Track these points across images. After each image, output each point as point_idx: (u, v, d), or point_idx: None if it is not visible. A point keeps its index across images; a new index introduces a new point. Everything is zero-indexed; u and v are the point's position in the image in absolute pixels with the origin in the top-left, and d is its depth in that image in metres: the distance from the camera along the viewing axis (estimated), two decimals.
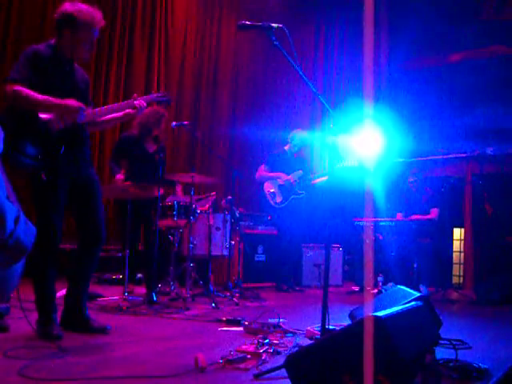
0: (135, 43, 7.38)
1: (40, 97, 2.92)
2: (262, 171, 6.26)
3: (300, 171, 6.17)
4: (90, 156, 3.29)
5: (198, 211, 5.24)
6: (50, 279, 3.11)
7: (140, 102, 3.31)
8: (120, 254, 5.75)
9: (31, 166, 2.90)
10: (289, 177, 6.16)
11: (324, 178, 6.10)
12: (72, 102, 3.01)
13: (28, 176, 3.02)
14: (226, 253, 5.51)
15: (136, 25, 7.40)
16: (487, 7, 8.20)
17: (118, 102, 3.56)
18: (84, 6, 3.09)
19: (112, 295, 4.62)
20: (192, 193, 4.85)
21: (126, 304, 4.19)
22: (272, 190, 6.14)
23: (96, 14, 3.10)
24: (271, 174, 6.20)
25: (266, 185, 6.17)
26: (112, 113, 3.29)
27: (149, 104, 3.54)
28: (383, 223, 6.24)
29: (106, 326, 3.19)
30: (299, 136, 6.27)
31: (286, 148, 6.35)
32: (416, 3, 8.42)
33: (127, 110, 3.31)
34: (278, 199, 6.11)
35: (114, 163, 5.08)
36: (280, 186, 6.15)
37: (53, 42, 3.14)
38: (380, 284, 5.94)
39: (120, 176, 4.83)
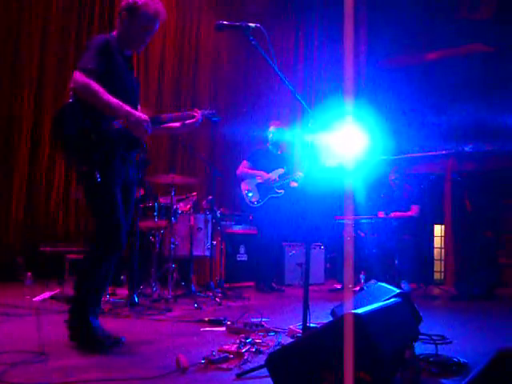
0: None
1: (112, 99, 2.75)
2: (244, 167, 6.14)
3: (282, 169, 6.05)
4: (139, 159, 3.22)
5: (179, 212, 5.22)
6: (105, 281, 2.99)
7: (199, 114, 3.23)
8: None
9: (87, 165, 2.78)
10: (270, 175, 6.03)
11: (295, 184, 5.97)
12: (144, 117, 2.84)
13: (82, 176, 2.87)
14: (207, 253, 5.50)
15: (112, 22, 7.30)
16: (463, 6, 8.29)
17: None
18: None
19: None
20: (173, 193, 4.83)
21: (108, 306, 4.15)
22: (249, 189, 6.01)
23: (159, 7, 3.00)
24: (252, 172, 6.08)
25: (242, 185, 6.06)
26: (172, 122, 3.23)
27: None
28: (364, 221, 6.28)
29: (120, 337, 2.95)
30: (276, 129, 6.14)
31: (268, 144, 6.23)
32: (394, 2, 8.48)
33: (187, 121, 3.23)
34: (254, 199, 5.97)
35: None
36: (258, 185, 6.02)
37: (114, 33, 3.02)
38: (362, 281, 5.98)
39: None
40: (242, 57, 8.94)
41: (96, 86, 2.71)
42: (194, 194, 5.70)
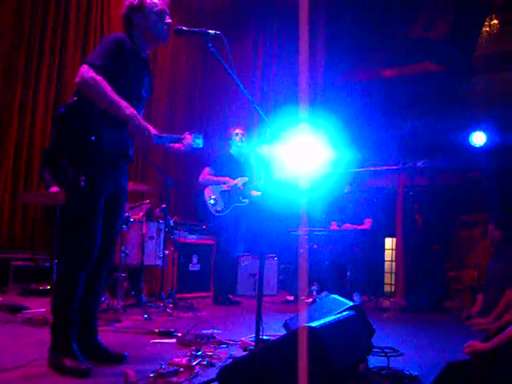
0: (69, 45, 7.10)
1: (119, 99, 2.61)
2: (206, 174, 5.90)
3: (246, 178, 5.85)
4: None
5: (131, 219, 5.10)
6: (77, 299, 2.66)
7: (190, 140, 3.10)
8: (48, 264, 5.51)
9: (75, 168, 2.61)
10: (235, 181, 5.81)
11: (257, 193, 5.83)
12: (149, 126, 2.70)
13: (67, 179, 2.68)
14: (159, 262, 5.39)
15: (70, 23, 7.11)
16: (416, 26, 8.54)
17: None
18: None
19: (38, 307, 4.39)
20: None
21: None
22: (213, 197, 5.78)
23: None
24: (216, 178, 5.85)
25: (206, 191, 5.82)
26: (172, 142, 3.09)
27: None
28: (318, 233, 6.30)
29: (123, 354, 2.79)
30: (239, 136, 5.95)
31: (231, 151, 6.03)
32: (351, 19, 8.64)
33: (176, 145, 3.10)
34: (219, 207, 5.76)
35: (48, 174, 4.86)
36: (222, 193, 5.80)
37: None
38: (314, 293, 5.99)
39: (55, 189, 4.62)
40: (201, 64, 8.90)
41: (103, 83, 2.58)
42: (147, 201, 5.58)
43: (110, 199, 2.80)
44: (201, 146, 3.23)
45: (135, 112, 2.68)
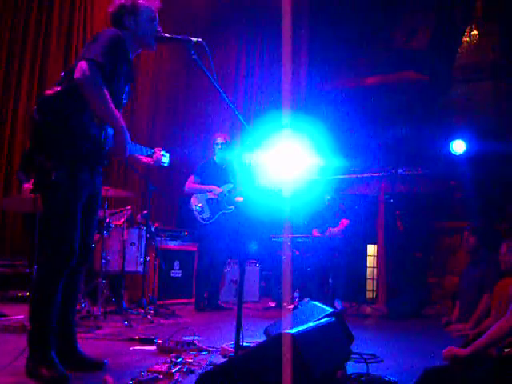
0: (51, 47, 7.03)
1: (112, 106, 2.55)
2: (191, 183, 5.89)
3: (231, 184, 5.85)
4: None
5: (112, 225, 5.07)
6: (56, 306, 2.58)
7: (159, 156, 3.08)
8: (27, 270, 5.44)
9: (53, 162, 2.49)
10: (221, 189, 5.81)
11: (241, 199, 5.88)
12: (129, 140, 2.64)
13: (42, 176, 2.56)
14: (140, 269, 5.35)
15: (52, 24, 7.03)
16: (398, 36, 8.66)
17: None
18: None
19: (17, 314, 4.33)
20: (106, 206, 4.69)
21: None
22: (199, 205, 5.76)
23: None
24: (202, 187, 5.84)
25: (192, 199, 5.81)
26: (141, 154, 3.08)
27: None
28: (300, 239, 6.32)
29: (102, 361, 2.76)
30: (222, 143, 5.94)
31: (214, 158, 6.02)
32: (334, 26, 8.72)
33: (144, 159, 3.08)
34: (206, 215, 5.74)
35: (22, 172, 4.82)
36: (208, 201, 5.79)
37: None
38: (296, 299, 6.00)
39: (28, 185, 4.59)
40: (183, 71, 8.89)
41: (103, 87, 2.50)
42: (129, 207, 5.56)
43: (85, 203, 2.73)
44: (166, 164, 3.22)
45: (123, 123, 2.64)
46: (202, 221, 5.76)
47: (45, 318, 2.54)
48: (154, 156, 3.11)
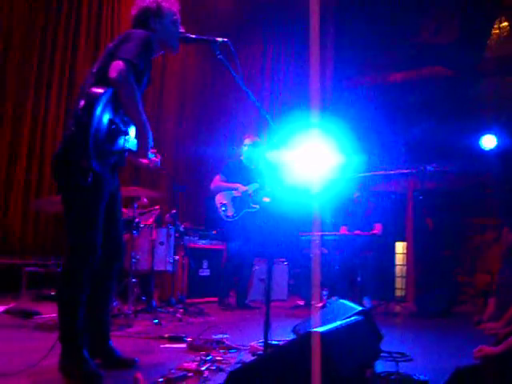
0: (78, 57, 7.16)
1: (143, 111, 2.59)
2: (218, 181, 5.97)
3: (256, 184, 5.90)
4: None
5: (141, 225, 5.14)
6: (82, 304, 2.60)
7: (157, 160, 3.07)
8: (59, 269, 5.55)
9: (88, 160, 2.42)
10: (246, 188, 5.86)
11: (268, 199, 5.83)
12: (151, 143, 2.70)
13: (72, 175, 2.51)
14: (169, 268, 5.41)
15: (81, 34, 7.18)
16: (425, 31, 8.54)
17: None
18: None
19: (50, 312, 4.43)
20: (135, 206, 4.75)
21: None
22: (224, 203, 5.82)
23: None
24: (228, 185, 5.90)
25: (217, 197, 5.88)
26: None
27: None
28: (328, 237, 6.30)
29: (134, 359, 2.79)
30: (251, 143, 6.02)
31: (242, 158, 6.09)
32: (360, 23, 8.65)
33: (145, 161, 3.05)
34: (230, 212, 5.80)
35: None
36: (233, 199, 5.85)
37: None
38: (324, 298, 5.98)
39: None
40: (210, 70, 8.94)
41: (136, 89, 2.53)
42: (157, 207, 5.62)
43: (109, 201, 2.75)
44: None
45: (149, 127, 2.67)
46: (225, 218, 5.82)
47: (71, 317, 2.56)
48: (153, 159, 3.09)
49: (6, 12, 6.41)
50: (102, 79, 2.57)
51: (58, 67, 6.89)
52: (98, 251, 2.63)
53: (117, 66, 2.48)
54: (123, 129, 2.63)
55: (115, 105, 2.56)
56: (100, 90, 2.47)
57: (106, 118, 2.50)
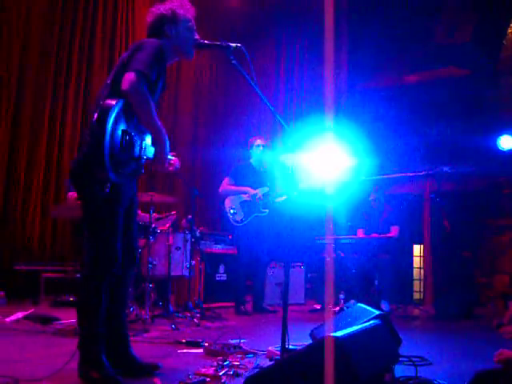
0: (95, 58, 7.25)
1: (157, 118, 2.62)
2: (226, 185, 5.90)
3: (266, 188, 5.84)
4: None
5: (158, 231, 5.16)
6: (102, 311, 2.62)
7: (176, 162, 3.06)
8: (78, 275, 5.60)
9: (105, 171, 2.42)
10: (256, 191, 5.80)
11: (283, 198, 5.78)
12: (168, 151, 2.72)
13: (90, 186, 2.55)
14: (186, 273, 5.42)
15: (96, 42, 7.28)
16: (439, 31, 8.47)
17: None
18: (175, 1, 2.91)
19: (69, 318, 4.46)
20: (151, 212, 4.78)
21: None
22: (233, 207, 5.78)
23: (187, 2, 2.93)
24: (237, 188, 5.84)
25: (226, 201, 5.82)
26: None
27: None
28: (344, 241, 6.27)
29: (157, 364, 2.78)
30: (260, 145, 5.95)
31: (251, 161, 6.05)
32: (374, 25, 8.62)
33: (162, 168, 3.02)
34: (238, 217, 5.76)
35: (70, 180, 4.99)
36: (242, 203, 5.80)
37: None
38: (342, 301, 5.95)
39: (73, 193, 4.74)
40: (224, 75, 8.98)
41: (150, 99, 2.56)
42: (174, 212, 5.64)
43: (127, 206, 2.78)
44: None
45: (166, 137, 2.68)
46: (234, 223, 5.77)
47: (91, 323, 2.59)
48: (172, 162, 3.09)
49: (21, 25, 6.52)
50: (116, 90, 2.59)
51: (74, 77, 6.99)
52: (120, 258, 2.65)
53: (128, 78, 2.51)
54: (138, 138, 2.64)
55: (129, 115, 2.57)
56: (112, 102, 2.49)
57: (119, 128, 2.52)
